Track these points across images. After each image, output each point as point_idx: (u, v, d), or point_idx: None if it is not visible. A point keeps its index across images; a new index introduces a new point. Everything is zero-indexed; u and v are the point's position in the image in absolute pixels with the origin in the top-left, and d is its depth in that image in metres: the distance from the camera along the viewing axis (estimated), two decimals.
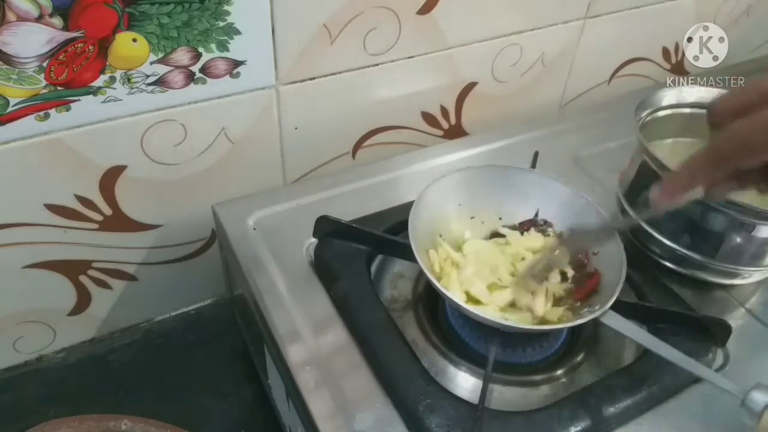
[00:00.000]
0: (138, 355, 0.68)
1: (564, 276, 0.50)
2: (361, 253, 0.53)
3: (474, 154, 0.68)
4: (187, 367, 0.67)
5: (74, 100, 0.51)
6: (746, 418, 0.38)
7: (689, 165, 0.35)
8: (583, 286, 0.49)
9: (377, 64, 0.64)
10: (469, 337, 0.49)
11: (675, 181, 0.36)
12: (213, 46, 0.53)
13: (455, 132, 0.77)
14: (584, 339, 0.51)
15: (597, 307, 0.44)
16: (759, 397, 0.37)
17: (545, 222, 0.53)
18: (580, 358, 0.50)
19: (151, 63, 0.52)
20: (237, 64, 0.56)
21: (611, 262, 0.47)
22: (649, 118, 0.57)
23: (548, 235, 0.52)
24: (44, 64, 0.48)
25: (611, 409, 0.44)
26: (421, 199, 0.50)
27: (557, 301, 0.48)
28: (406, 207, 0.50)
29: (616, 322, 0.44)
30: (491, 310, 0.47)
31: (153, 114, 0.55)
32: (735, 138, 0.32)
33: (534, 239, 0.52)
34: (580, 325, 0.45)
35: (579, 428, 0.43)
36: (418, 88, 0.69)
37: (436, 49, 0.67)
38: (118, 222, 0.60)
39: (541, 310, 0.47)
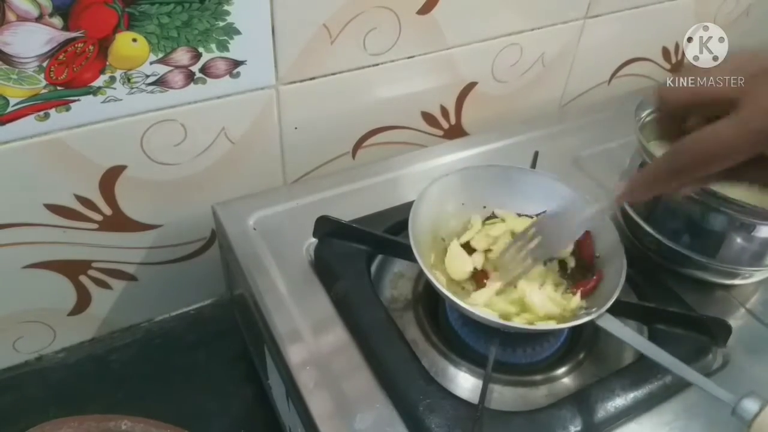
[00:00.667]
0: (138, 355, 0.68)
1: (563, 266, 0.50)
2: (361, 253, 0.53)
3: (474, 154, 0.68)
4: (187, 367, 0.67)
5: (74, 100, 0.51)
6: (738, 425, 0.38)
7: (648, 174, 0.36)
8: (584, 281, 0.48)
9: (377, 64, 0.64)
10: (469, 337, 0.49)
11: (634, 186, 0.37)
12: (213, 46, 0.53)
13: (455, 132, 0.77)
14: (584, 339, 0.51)
15: (594, 310, 0.44)
16: (750, 406, 0.37)
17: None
18: (580, 358, 0.50)
19: (151, 63, 0.52)
20: (237, 64, 0.56)
21: (611, 264, 0.47)
22: (649, 118, 0.57)
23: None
24: (44, 64, 0.48)
25: (611, 410, 0.44)
26: (421, 199, 0.50)
27: (555, 288, 0.48)
28: (406, 207, 0.49)
29: (612, 325, 0.44)
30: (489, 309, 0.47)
31: (153, 114, 0.55)
32: (689, 152, 0.33)
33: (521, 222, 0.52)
34: (580, 326, 0.44)
35: (579, 428, 0.43)
36: (418, 88, 0.69)
37: (436, 49, 0.67)
38: (118, 222, 0.60)
39: (534, 295, 0.46)
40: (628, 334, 0.44)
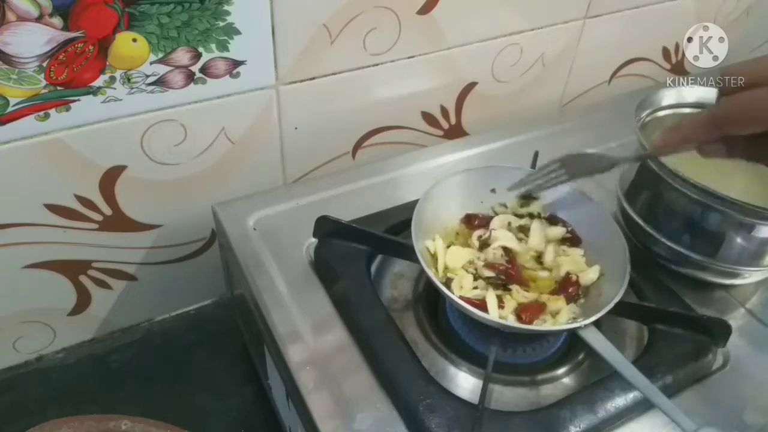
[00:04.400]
0: (138, 355, 0.68)
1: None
2: (361, 253, 0.53)
3: (474, 154, 0.68)
4: (187, 367, 0.67)
5: (74, 100, 0.51)
6: None
7: (689, 121, 0.40)
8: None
9: (377, 64, 0.64)
10: (469, 337, 0.49)
11: (675, 132, 0.41)
12: (213, 46, 0.53)
13: (455, 132, 0.77)
14: None
15: (581, 320, 0.44)
16: None
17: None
18: (580, 358, 0.50)
19: (151, 63, 0.52)
20: (237, 64, 0.56)
21: (614, 277, 0.47)
22: (649, 118, 0.57)
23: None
24: (44, 64, 0.48)
25: (611, 409, 0.44)
26: (424, 200, 0.50)
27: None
28: (406, 207, 0.50)
29: (594, 338, 0.44)
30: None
31: (153, 114, 0.55)
32: (733, 107, 0.37)
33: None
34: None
35: (579, 428, 0.43)
36: (418, 88, 0.69)
37: (436, 49, 0.67)
38: (118, 222, 0.60)
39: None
40: (607, 350, 0.43)
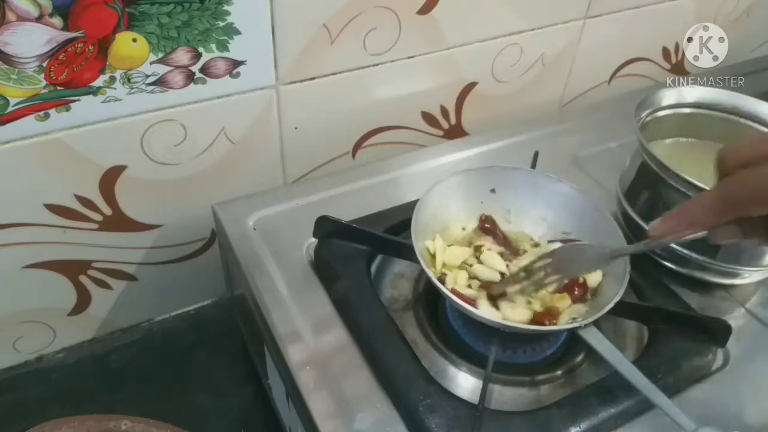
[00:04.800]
0: (138, 355, 0.68)
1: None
2: (361, 253, 0.53)
3: (474, 154, 0.68)
4: (187, 367, 0.67)
5: (74, 100, 0.51)
6: None
7: (695, 204, 0.35)
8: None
9: (377, 64, 0.64)
10: (469, 337, 0.49)
11: (679, 216, 0.36)
12: (213, 46, 0.53)
13: (455, 132, 0.77)
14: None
15: (580, 319, 0.44)
16: None
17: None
18: (580, 358, 0.50)
19: (151, 63, 0.52)
20: (237, 64, 0.56)
21: (614, 278, 0.47)
22: (649, 118, 0.57)
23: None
24: (44, 64, 0.48)
25: (611, 409, 0.44)
26: (424, 200, 0.50)
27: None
28: (406, 207, 0.50)
29: (594, 338, 0.44)
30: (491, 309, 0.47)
31: (153, 114, 0.55)
32: (744, 185, 0.33)
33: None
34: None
35: (579, 428, 0.43)
36: (418, 88, 0.69)
37: (436, 49, 0.67)
38: (118, 222, 0.60)
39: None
40: (607, 350, 0.43)
